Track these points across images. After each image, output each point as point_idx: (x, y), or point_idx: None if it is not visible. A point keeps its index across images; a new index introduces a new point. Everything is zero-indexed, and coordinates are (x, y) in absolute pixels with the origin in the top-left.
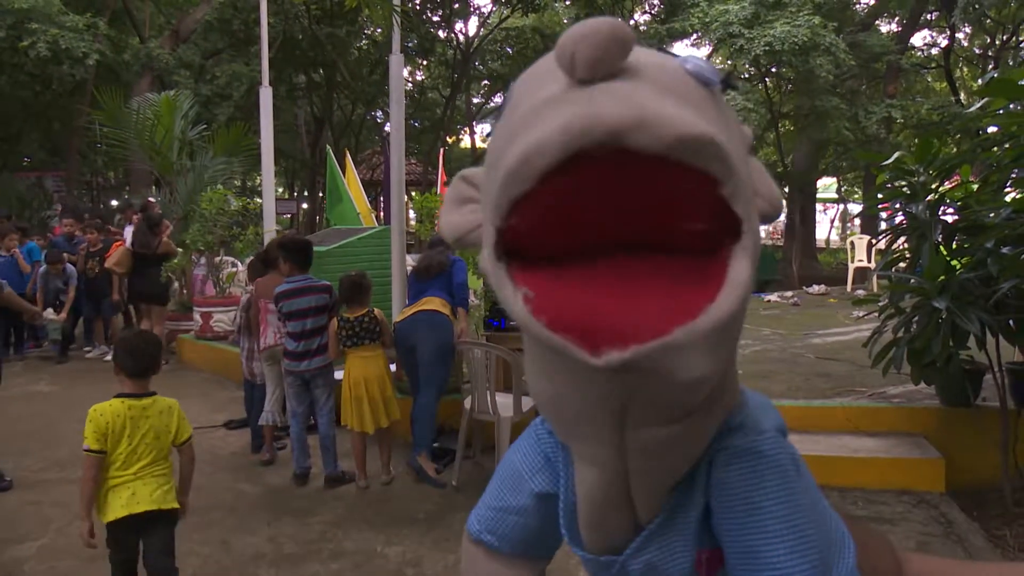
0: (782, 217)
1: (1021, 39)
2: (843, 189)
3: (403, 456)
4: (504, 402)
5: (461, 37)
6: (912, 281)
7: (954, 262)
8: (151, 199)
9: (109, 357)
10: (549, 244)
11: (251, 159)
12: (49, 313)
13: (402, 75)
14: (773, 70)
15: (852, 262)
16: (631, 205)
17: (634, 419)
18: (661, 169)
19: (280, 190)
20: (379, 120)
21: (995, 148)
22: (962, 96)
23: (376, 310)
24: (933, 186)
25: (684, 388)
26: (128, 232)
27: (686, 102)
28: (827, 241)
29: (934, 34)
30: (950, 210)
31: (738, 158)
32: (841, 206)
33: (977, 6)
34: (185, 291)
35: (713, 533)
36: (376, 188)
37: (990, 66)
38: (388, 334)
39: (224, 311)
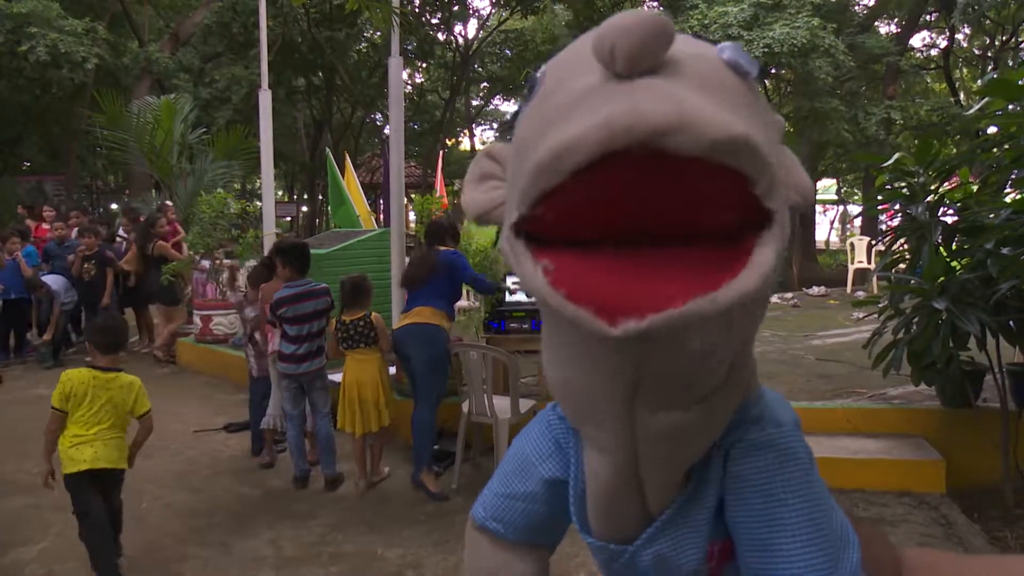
0: None
1: (1020, 40)
2: (843, 190)
3: (401, 458)
4: (502, 404)
5: (460, 40)
6: (912, 282)
7: (954, 263)
8: (168, 203)
9: None
10: (573, 230)
11: (251, 162)
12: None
13: (401, 78)
14: (772, 72)
15: (852, 263)
16: (661, 200)
17: (647, 402)
18: (695, 168)
19: (280, 193)
20: (378, 123)
21: (995, 149)
22: (962, 97)
23: (374, 314)
24: (933, 187)
25: (697, 365)
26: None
27: (723, 98)
28: (827, 243)
29: (933, 35)
30: (950, 211)
31: (771, 152)
32: (841, 207)
33: (976, 7)
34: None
35: (725, 526)
36: (376, 191)
37: (989, 67)
38: (384, 338)
39: (224, 314)
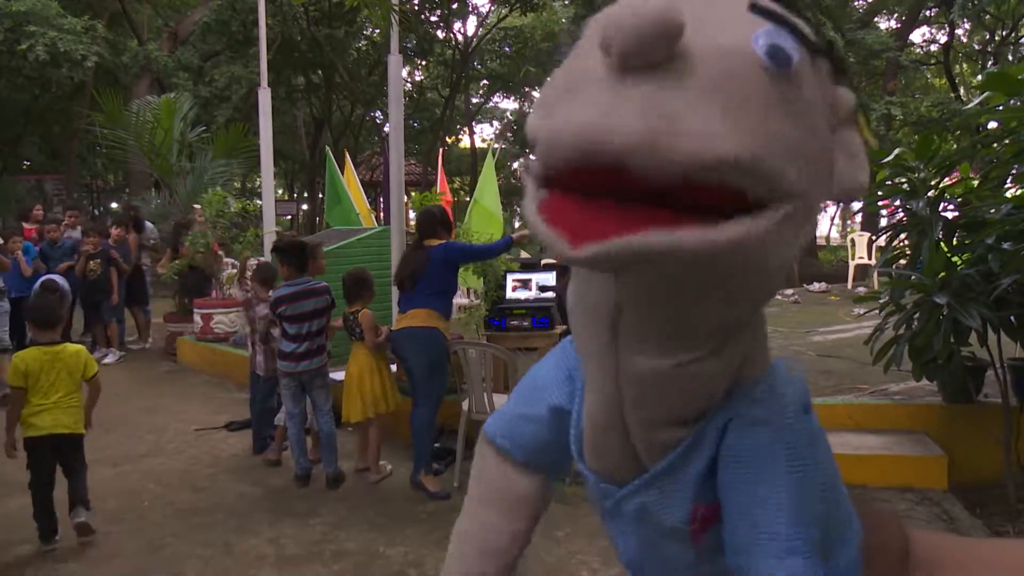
0: None
1: (1020, 35)
2: None
3: (403, 457)
4: (502, 402)
5: (460, 37)
6: (913, 278)
7: (955, 258)
8: (196, 206)
9: (109, 360)
10: (576, 185)
11: (250, 161)
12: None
13: (401, 75)
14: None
15: (853, 259)
16: (646, 190)
17: (626, 343)
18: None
19: (280, 191)
20: (378, 121)
21: (995, 144)
22: (962, 92)
23: (364, 311)
24: (933, 182)
25: (673, 314)
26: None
27: (729, 105)
28: (827, 238)
29: (933, 30)
30: (950, 206)
31: (788, 159)
32: (841, 203)
33: (976, 2)
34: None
35: (714, 490)
36: (376, 189)
37: (989, 62)
38: (369, 333)
39: (225, 313)
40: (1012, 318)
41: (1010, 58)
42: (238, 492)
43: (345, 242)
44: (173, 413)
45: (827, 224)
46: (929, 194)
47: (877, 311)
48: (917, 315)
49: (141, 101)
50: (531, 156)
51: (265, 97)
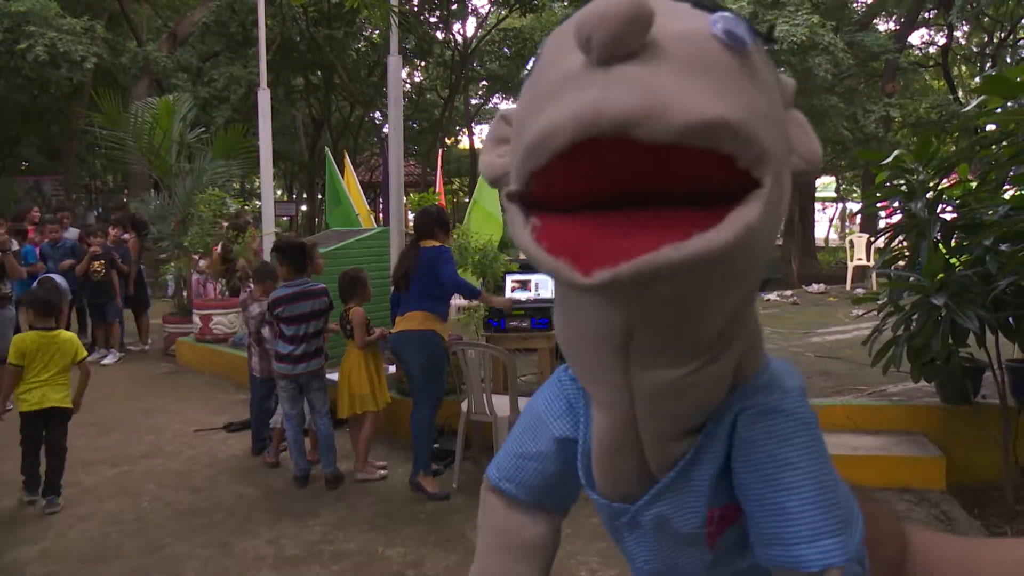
0: None
1: (1019, 37)
2: (842, 188)
3: (402, 457)
4: (501, 403)
5: (459, 38)
6: (911, 279)
7: (953, 260)
8: (245, 207)
9: (109, 360)
10: (563, 200)
11: (250, 161)
12: None
13: (400, 76)
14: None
15: (851, 261)
16: (643, 176)
17: (639, 359)
18: (674, 150)
19: (279, 192)
20: (377, 122)
21: (993, 146)
22: (960, 94)
23: (355, 309)
24: (932, 184)
25: (683, 322)
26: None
27: (707, 78)
28: (826, 240)
29: (932, 32)
30: (949, 208)
31: (762, 125)
32: (840, 205)
33: (975, 4)
34: (185, 293)
35: (728, 491)
36: (375, 189)
37: (988, 64)
38: (359, 332)
39: (224, 313)
40: (1010, 319)
41: (1008, 60)
42: (237, 493)
43: (344, 243)
44: (172, 414)
45: (826, 226)
46: (928, 196)
47: (876, 312)
48: (915, 316)
49: (142, 103)
50: (507, 188)
51: (264, 98)
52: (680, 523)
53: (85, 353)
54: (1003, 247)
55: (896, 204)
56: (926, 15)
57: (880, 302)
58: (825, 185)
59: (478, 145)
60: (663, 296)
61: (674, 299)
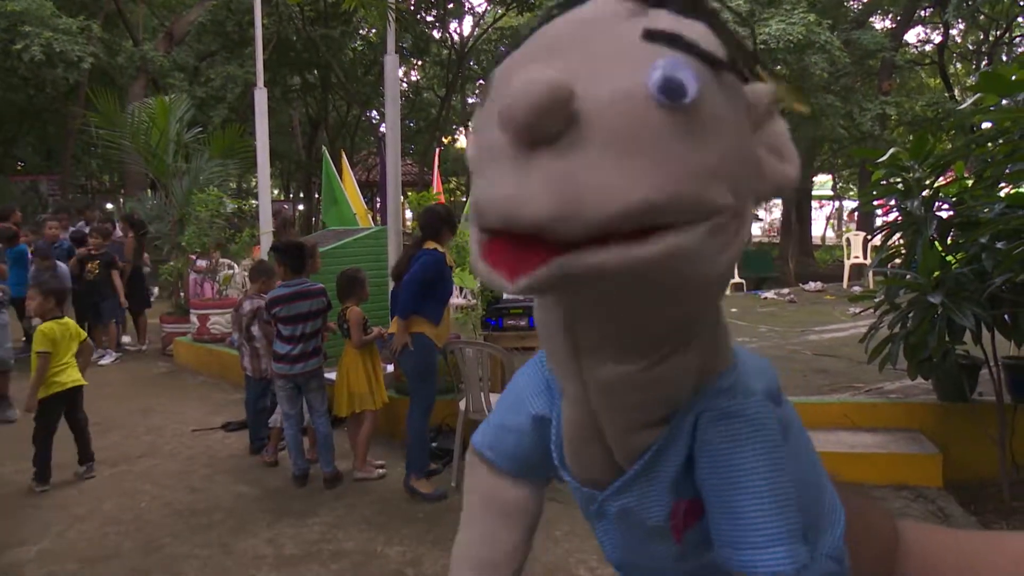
0: (777, 214)
1: (1014, 35)
2: (838, 186)
3: (400, 456)
4: None
5: (456, 37)
6: (907, 277)
7: (949, 257)
8: (285, 205)
9: (106, 361)
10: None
11: (246, 161)
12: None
13: (397, 75)
14: (768, 68)
15: (848, 259)
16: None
17: (587, 351)
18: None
19: (276, 192)
20: (374, 121)
21: (989, 144)
22: (956, 92)
23: (351, 308)
24: (928, 182)
25: (620, 325)
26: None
27: (636, 150)
28: (823, 238)
29: (928, 30)
30: (945, 206)
31: (707, 184)
32: (836, 203)
33: (970, 2)
34: (182, 293)
35: (692, 486)
36: (372, 189)
37: (983, 62)
38: (355, 332)
39: (221, 313)
40: (1006, 316)
41: (1004, 58)
42: (236, 492)
43: (342, 242)
44: (170, 414)
45: (823, 224)
46: (924, 193)
47: (872, 310)
48: (912, 314)
49: (137, 102)
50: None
51: (261, 97)
52: (645, 515)
53: (84, 334)
54: (999, 244)
55: (892, 202)
56: (922, 13)
57: (877, 300)
58: (822, 183)
59: None
60: (586, 297)
61: (601, 300)
